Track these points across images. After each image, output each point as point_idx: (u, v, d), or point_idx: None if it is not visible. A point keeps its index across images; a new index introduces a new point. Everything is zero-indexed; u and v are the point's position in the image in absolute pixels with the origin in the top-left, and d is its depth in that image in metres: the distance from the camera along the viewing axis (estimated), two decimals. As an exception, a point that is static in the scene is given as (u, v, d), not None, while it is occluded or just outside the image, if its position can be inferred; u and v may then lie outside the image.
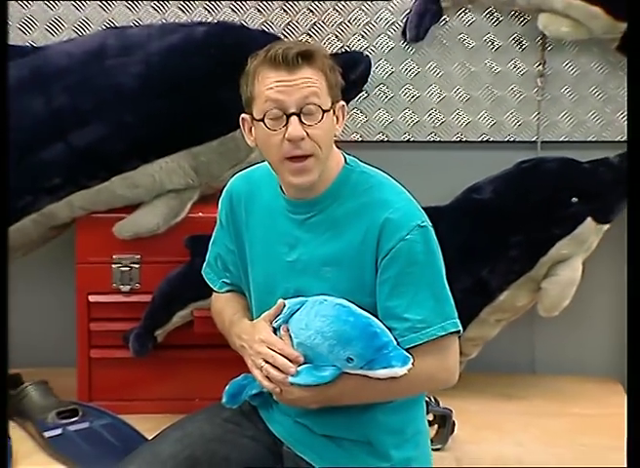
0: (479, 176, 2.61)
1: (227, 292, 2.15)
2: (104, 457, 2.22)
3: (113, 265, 2.48)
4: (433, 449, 2.13)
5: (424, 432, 2.08)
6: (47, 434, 2.31)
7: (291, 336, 1.89)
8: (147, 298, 2.46)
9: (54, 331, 2.72)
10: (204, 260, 2.27)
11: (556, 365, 2.79)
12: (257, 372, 1.89)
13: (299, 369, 1.86)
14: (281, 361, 1.86)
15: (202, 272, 2.18)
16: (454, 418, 2.32)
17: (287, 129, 1.86)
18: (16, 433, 2.34)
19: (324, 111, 1.87)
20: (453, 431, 2.32)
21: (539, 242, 2.56)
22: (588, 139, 2.68)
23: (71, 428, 2.33)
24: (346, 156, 2.00)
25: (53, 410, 2.35)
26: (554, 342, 2.78)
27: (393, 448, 1.98)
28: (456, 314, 1.93)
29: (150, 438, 2.15)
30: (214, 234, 2.15)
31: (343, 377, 1.84)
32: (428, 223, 1.94)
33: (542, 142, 2.68)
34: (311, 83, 1.87)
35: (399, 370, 1.79)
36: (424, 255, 1.91)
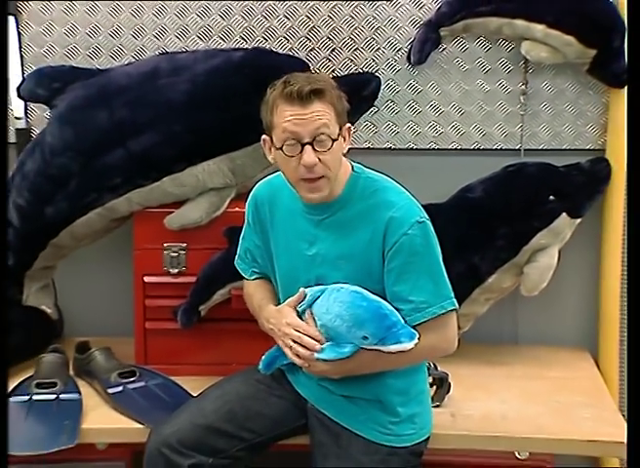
0: (471, 178, 2.61)
1: (257, 279, 2.20)
2: (157, 410, 2.25)
3: (164, 252, 2.48)
4: (433, 406, 2.20)
5: (426, 392, 2.16)
6: (110, 390, 2.33)
7: (314, 319, 1.96)
8: (192, 279, 2.47)
9: (115, 307, 2.72)
10: (239, 249, 2.35)
11: (535, 336, 2.78)
12: (287, 351, 1.97)
13: (322, 346, 1.92)
14: (307, 340, 1.93)
15: (234, 263, 2.23)
16: (450, 381, 2.33)
17: (302, 156, 1.90)
18: (85, 389, 2.36)
19: (333, 140, 1.90)
20: (449, 391, 2.34)
21: (521, 233, 2.55)
22: (563, 148, 2.67)
23: (130, 386, 2.35)
24: (353, 164, 2.04)
25: (115, 371, 2.37)
26: (534, 318, 2.77)
27: (400, 405, 2.04)
28: (452, 294, 1.97)
29: (195, 395, 2.23)
30: (242, 231, 2.21)
31: (360, 352, 1.91)
32: (427, 218, 1.97)
33: (525, 150, 2.67)
34: (322, 115, 1.89)
35: (407, 345, 1.86)
36: (423, 247, 1.94)
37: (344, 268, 1.97)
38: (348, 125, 1.98)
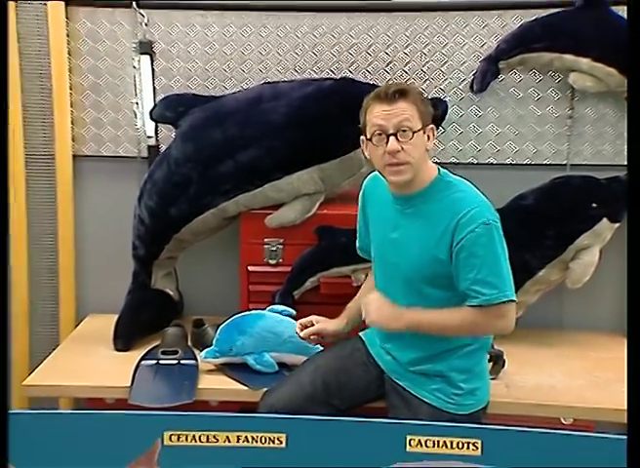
0: (524, 188, 2.67)
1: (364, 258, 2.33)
2: (258, 376, 2.33)
3: (265, 246, 2.58)
4: (490, 379, 2.25)
5: (485, 368, 2.24)
6: (221, 360, 2.41)
7: None
8: (288, 269, 2.57)
9: (225, 291, 2.79)
10: (329, 243, 2.52)
11: (578, 321, 2.83)
12: None
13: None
14: None
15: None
16: (504, 357, 2.38)
17: (387, 145, 2.00)
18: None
19: (413, 132, 1.99)
20: (503, 366, 2.39)
21: (567, 234, 2.60)
22: (604, 163, 2.72)
23: (237, 357, 2.42)
24: (441, 169, 2.12)
25: (225, 345, 2.41)
26: (577, 306, 2.81)
27: (464, 382, 2.12)
28: (510, 287, 2.00)
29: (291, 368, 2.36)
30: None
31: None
32: (494, 221, 2.00)
33: (571, 165, 2.73)
34: (404, 111, 1.99)
35: None
36: (486, 245, 1.98)
37: (417, 253, 2.06)
38: (432, 126, 2.05)
